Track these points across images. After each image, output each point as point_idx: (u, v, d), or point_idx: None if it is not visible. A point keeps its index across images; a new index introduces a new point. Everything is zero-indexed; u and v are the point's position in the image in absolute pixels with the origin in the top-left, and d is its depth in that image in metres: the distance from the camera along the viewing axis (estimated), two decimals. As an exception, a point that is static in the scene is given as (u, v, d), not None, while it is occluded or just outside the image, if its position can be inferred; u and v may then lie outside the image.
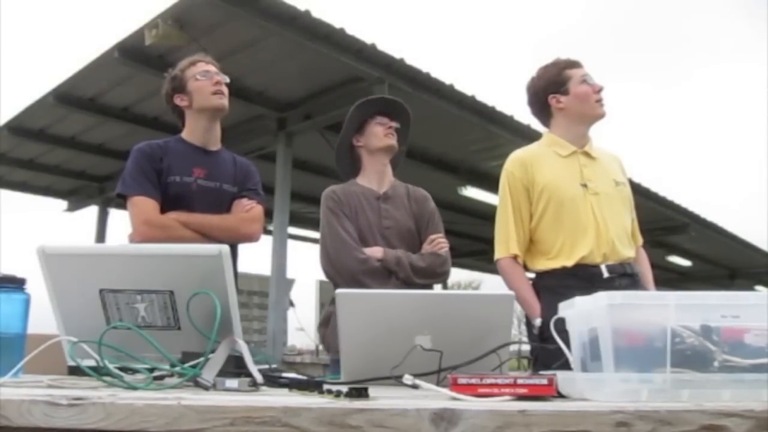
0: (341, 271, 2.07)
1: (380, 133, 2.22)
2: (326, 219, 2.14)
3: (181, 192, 2.07)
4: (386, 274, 2.07)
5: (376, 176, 2.25)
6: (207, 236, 2.01)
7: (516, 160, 2.14)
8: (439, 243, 2.16)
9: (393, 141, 2.23)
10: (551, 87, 2.14)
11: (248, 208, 2.14)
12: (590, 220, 2.01)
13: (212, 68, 2.19)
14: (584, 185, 2.06)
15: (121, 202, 2.13)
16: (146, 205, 2.02)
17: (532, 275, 2.14)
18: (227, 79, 2.19)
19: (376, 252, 2.09)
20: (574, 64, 2.16)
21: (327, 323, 2.13)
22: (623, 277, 1.99)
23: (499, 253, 2.11)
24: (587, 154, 2.13)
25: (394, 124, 2.25)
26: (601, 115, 2.14)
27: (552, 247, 2.04)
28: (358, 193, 2.21)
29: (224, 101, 2.16)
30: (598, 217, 2.01)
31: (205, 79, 2.14)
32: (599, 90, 2.12)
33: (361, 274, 2.04)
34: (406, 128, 2.31)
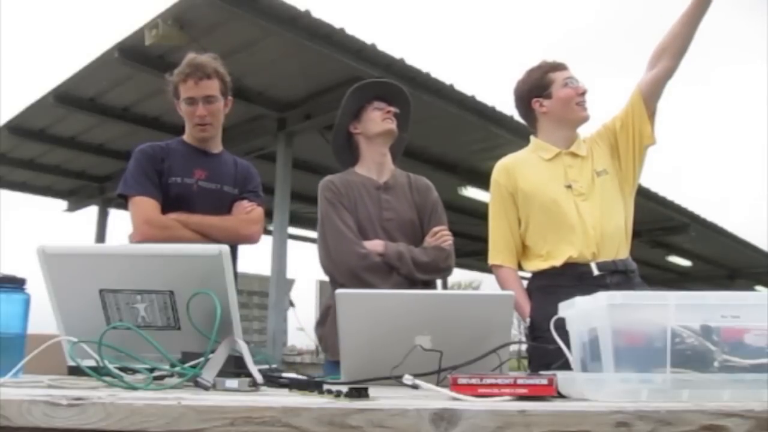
0: (340, 266, 1.98)
1: (378, 118, 2.11)
2: (324, 211, 2.05)
3: (182, 193, 2.08)
4: (387, 270, 1.97)
5: (375, 165, 2.14)
6: (207, 237, 2.02)
7: (500, 168, 2.15)
8: (443, 236, 2.05)
9: (392, 125, 2.12)
10: (534, 91, 2.12)
11: (248, 210, 2.15)
12: (575, 222, 1.99)
13: (198, 92, 2.08)
14: (569, 186, 2.04)
15: (122, 202, 2.14)
16: (147, 205, 2.02)
17: (529, 275, 2.15)
18: (215, 92, 2.09)
19: (376, 246, 1.99)
20: (558, 67, 2.13)
21: (325, 321, 2.04)
22: (614, 274, 1.97)
23: (489, 260, 2.16)
24: (573, 154, 2.10)
25: (393, 109, 2.14)
26: (584, 118, 2.10)
27: (542, 250, 2.05)
28: (357, 183, 2.10)
29: (206, 134, 2.15)
30: (584, 218, 1.99)
31: (189, 108, 2.10)
32: (582, 93, 2.09)
33: (361, 270, 1.95)
34: (407, 114, 2.20)
